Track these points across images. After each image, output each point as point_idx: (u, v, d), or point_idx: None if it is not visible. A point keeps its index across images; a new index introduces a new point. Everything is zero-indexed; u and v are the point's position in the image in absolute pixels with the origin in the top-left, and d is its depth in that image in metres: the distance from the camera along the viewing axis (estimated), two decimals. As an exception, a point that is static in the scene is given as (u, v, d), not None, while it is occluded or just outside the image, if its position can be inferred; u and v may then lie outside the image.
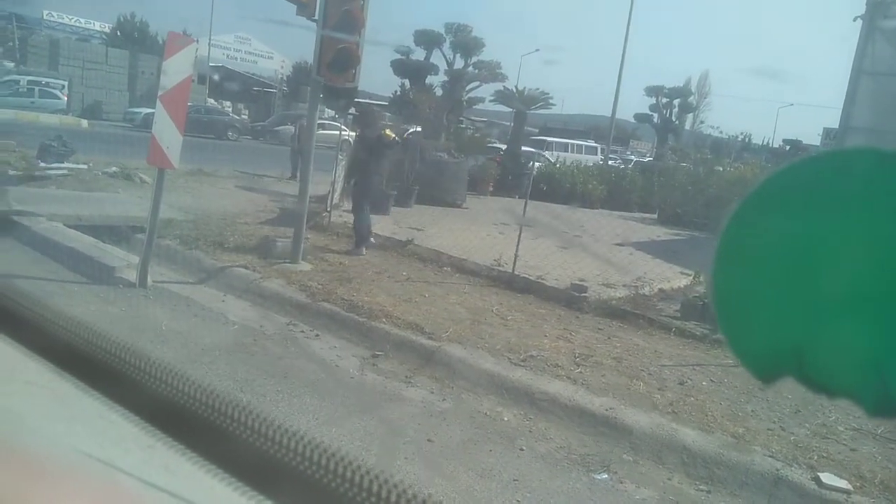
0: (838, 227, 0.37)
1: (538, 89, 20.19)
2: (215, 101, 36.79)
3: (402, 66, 22.94)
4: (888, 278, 0.35)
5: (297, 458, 0.65)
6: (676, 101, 36.67)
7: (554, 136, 33.66)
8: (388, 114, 31.62)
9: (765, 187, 0.39)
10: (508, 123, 24.89)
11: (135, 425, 0.71)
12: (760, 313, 0.40)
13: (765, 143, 53.27)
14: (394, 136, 8.22)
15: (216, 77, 37.23)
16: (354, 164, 8.73)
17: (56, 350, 0.85)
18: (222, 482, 0.63)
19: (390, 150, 8.32)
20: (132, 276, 5.88)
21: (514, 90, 20.27)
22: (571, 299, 6.74)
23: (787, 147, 36.66)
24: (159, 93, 5.76)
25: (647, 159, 33.20)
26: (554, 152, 26.32)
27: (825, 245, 0.37)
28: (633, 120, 42.78)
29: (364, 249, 7.91)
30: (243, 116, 37.32)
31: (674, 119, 36.94)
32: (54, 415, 0.71)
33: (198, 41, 7.28)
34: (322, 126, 11.13)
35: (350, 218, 8.48)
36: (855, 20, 11.51)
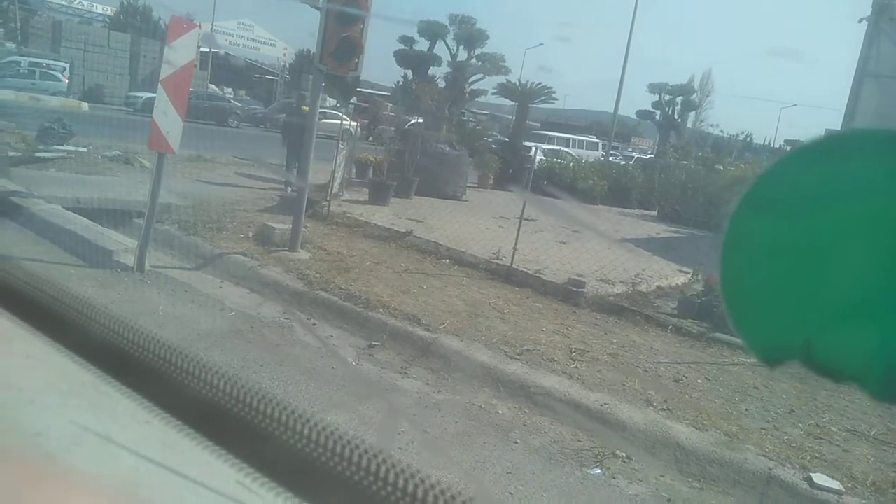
0: (852, 213, 0.37)
1: (541, 83, 20.18)
2: (217, 87, 36.71)
3: (406, 57, 22.88)
4: None
5: (294, 435, 0.64)
6: (679, 99, 36.56)
7: (555, 131, 33.65)
8: (389, 104, 31.64)
9: (776, 170, 0.39)
10: (510, 117, 24.82)
11: (132, 400, 0.71)
12: (769, 299, 0.39)
13: (766, 142, 53.32)
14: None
15: (222, 52, 37.11)
16: (286, 127, 12.02)
17: (55, 325, 0.85)
18: (219, 458, 0.63)
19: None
20: (130, 260, 5.87)
21: (517, 84, 20.22)
22: (569, 294, 6.74)
23: (789, 147, 36.70)
24: (161, 77, 5.74)
25: (649, 156, 33.23)
26: (555, 146, 26.29)
27: (837, 231, 0.37)
28: (635, 116, 42.69)
29: (289, 189, 10.82)
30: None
31: (676, 116, 36.84)
32: (52, 388, 0.71)
33: (200, 26, 7.25)
34: (323, 115, 11.34)
35: (350, 208, 9.19)
36: (860, 22, 11.50)
